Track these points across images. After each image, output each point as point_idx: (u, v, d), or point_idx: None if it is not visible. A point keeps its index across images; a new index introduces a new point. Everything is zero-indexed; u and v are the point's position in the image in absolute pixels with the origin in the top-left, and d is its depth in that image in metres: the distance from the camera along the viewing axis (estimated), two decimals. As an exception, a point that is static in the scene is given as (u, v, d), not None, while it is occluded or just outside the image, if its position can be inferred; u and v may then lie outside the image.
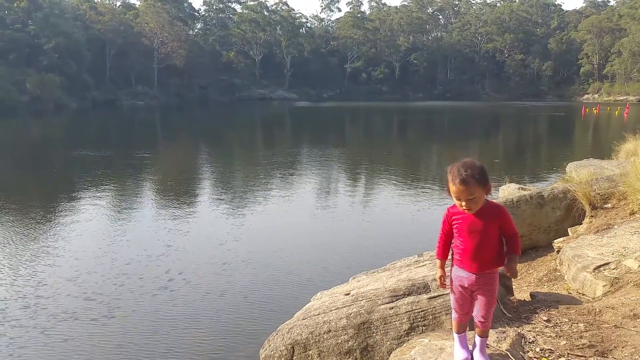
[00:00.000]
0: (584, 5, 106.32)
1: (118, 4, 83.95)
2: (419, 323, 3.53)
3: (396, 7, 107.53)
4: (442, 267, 2.83)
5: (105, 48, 66.42)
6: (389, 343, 3.52)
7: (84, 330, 6.07)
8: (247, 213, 11.49)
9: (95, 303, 6.73)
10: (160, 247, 8.92)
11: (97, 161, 18.88)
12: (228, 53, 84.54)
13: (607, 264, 4.40)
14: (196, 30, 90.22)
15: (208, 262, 8.24)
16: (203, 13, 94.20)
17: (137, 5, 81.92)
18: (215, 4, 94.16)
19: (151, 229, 10.07)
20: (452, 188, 2.56)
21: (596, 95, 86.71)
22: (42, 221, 10.60)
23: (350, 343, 3.58)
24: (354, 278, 4.85)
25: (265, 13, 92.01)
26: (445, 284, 2.83)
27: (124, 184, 14.90)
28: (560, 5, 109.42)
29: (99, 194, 13.12)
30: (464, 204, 2.57)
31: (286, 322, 3.97)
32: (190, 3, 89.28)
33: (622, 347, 3.06)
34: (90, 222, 10.46)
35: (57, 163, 18.98)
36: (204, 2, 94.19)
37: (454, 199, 2.62)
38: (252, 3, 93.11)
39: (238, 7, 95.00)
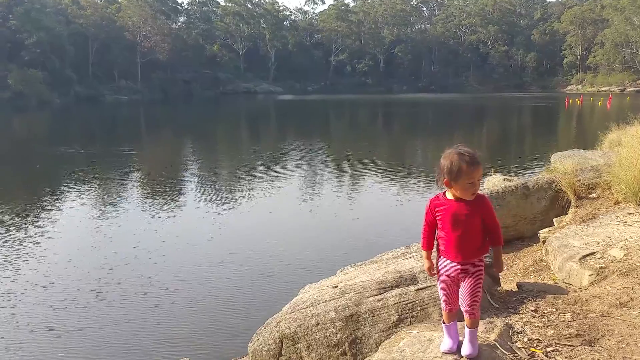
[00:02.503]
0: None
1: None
2: (407, 315, 3.53)
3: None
4: (429, 257, 2.83)
5: (87, 43, 65.51)
6: (377, 335, 3.52)
7: (72, 328, 5.99)
8: (233, 208, 11.44)
9: (81, 303, 6.63)
10: (146, 244, 8.84)
11: (79, 158, 18.64)
12: (212, 47, 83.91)
13: (593, 253, 4.44)
14: (179, 24, 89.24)
15: (195, 258, 8.20)
16: (186, 6, 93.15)
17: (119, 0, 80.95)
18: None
19: (137, 226, 9.96)
20: (468, 170, 2.53)
21: (579, 86, 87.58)
22: (21, 221, 10.41)
23: (338, 336, 3.58)
24: (342, 271, 4.83)
25: (249, 6, 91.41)
26: (434, 273, 2.82)
27: (107, 181, 14.71)
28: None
29: (81, 192, 12.92)
30: (476, 186, 2.58)
31: (274, 316, 3.95)
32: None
33: (609, 336, 3.08)
34: (72, 221, 10.31)
35: (38, 160, 18.63)
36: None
37: (463, 185, 2.57)
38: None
39: (221, 0, 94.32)
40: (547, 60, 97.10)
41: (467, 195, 2.59)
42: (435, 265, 2.81)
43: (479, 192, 2.67)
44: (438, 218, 2.68)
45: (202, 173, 16.22)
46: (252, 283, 7.24)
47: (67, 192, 12.89)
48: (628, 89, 79.45)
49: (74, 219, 10.49)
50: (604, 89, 79.30)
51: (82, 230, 9.74)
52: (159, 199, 12.37)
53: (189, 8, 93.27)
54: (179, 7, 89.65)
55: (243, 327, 5.83)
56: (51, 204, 11.74)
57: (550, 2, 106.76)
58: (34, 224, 10.18)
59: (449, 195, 2.65)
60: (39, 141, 24.88)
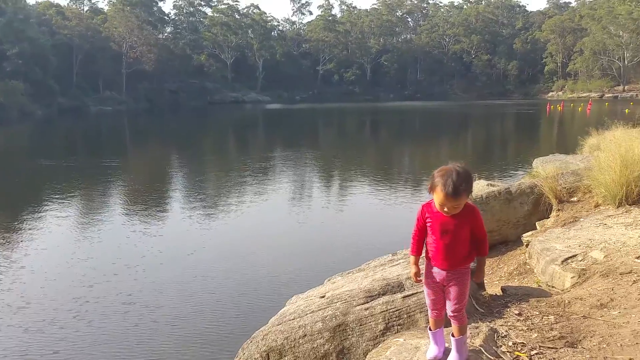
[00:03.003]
0: (547, 6, 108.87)
1: (86, 9, 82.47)
2: (394, 322, 3.54)
3: (366, 10, 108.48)
4: (417, 263, 2.85)
5: (72, 53, 65.00)
6: (364, 344, 3.51)
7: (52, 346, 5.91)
8: (220, 219, 11.38)
9: (58, 324, 6.42)
10: (127, 259, 8.68)
11: (61, 171, 18.35)
12: (199, 56, 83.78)
13: (575, 256, 4.51)
14: (166, 34, 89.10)
15: (178, 273, 8.07)
16: (173, 17, 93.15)
17: (105, 10, 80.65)
18: (186, 8, 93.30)
19: (118, 241, 9.75)
20: (440, 195, 2.55)
21: (560, 93, 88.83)
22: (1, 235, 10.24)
23: (326, 347, 3.56)
24: (329, 280, 4.83)
25: (237, 16, 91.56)
26: (420, 280, 2.85)
27: (89, 195, 14.44)
28: (525, 7, 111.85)
29: (61, 207, 12.59)
30: (446, 209, 2.59)
31: (261, 329, 3.91)
32: (160, 7, 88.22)
33: (591, 337, 3.14)
34: (51, 237, 10.02)
35: (18, 174, 18.16)
36: (174, 5, 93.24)
37: (437, 203, 2.62)
38: (223, 6, 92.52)
39: (209, 11, 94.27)
40: (528, 68, 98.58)
41: (441, 211, 2.62)
42: (422, 272, 2.84)
43: (470, 202, 2.71)
44: (428, 224, 2.71)
45: (187, 185, 16.11)
46: (238, 296, 7.15)
47: (47, 206, 12.58)
48: (606, 95, 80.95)
49: (53, 234, 10.23)
50: (584, 95, 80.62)
51: (61, 247, 9.47)
52: (142, 212, 12.18)
53: (176, 18, 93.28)
54: (165, 17, 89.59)
55: (229, 342, 5.73)
56: (30, 219, 11.45)
57: (531, 12, 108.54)
58: (11, 241, 9.90)
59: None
60: (18, 154, 24.47)
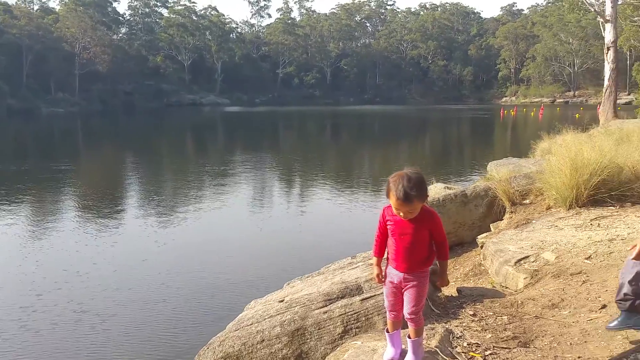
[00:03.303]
0: (501, 13, 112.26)
1: (36, 7, 79.83)
2: (353, 325, 3.55)
3: (325, 14, 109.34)
4: (379, 264, 2.87)
5: (21, 54, 62.72)
6: (323, 348, 3.51)
7: None
8: (176, 224, 11.15)
9: (3, 336, 6.13)
10: (78, 266, 8.37)
11: (10, 175, 17.58)
12: (155, 58, 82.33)
13: (527, 257, 4.64)
14: (121, 35, 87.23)
15: (132, 280, 7.84)
16: (128, 17, 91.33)
17: (56, 10, 78.25)
18: (141, 8, 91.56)
19: (69, 248, 9.40)
20: (393, 200, 2.59)
21: (513, 98, 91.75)
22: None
23: (284, 351, 3.54)
24: (288, 284, 4.81)
25: (194, 18, 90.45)
26: (382, 281, 2.86)
27: (39, 200, 13.88)
28: (479, 14, 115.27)
29: (9, 213, 12.03)
30: (402, 214, 2.63)
31: (218, 335, 3.85)
32: (115, 7, 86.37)
33: (543, 337, 3.22)
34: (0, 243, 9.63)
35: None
36: (129, 6, 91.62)
37: (393, 208, 2.66)
38: (179, 7, 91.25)
39: (165, 12, 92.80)
40: (483, 73, 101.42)
41: (399, 215, 2.66)
42: (383, 273, 2.86)
43: (428, 207, 2.76)
44: (389, 227, 2.74)
45: (142, 189, 15.74)
46: (195, 303, 6.99)
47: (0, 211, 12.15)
48: (558, 100, 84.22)
49: (7, 239, 9.84)
50: (536, 100, 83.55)
51: (8, 254, 9.05)
52: (94, 217, 11.77)
53: (131, 19, 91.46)
54: (120, 18, 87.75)
55: (186, 350, 5.59)
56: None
57: (485, 19, 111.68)
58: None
59: None
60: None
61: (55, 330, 6.22)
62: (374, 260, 2.90)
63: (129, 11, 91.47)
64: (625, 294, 2.89)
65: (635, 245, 2.79)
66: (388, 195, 2.64)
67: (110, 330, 6.22)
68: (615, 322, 3.00)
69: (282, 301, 4.02)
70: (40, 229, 10.63)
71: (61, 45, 67.32)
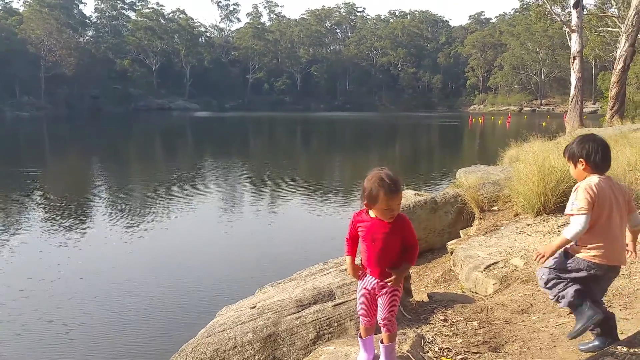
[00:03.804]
0: (469, 21, 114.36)
1: (-1, 9, 77.81)
2: (325, 331, 3.56)
3: (295, 20, 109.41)
4: (353, 262, 2.83)
5: (-17, 56, 61.15)
6: (296, 354, 3.52)
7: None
8: (144, 230, 10.96)
9: None
10: (44, 274, 8.16)
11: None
12: (122, 61, 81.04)
13: (496, 263, 4.71)
14: (87, 38, 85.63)
15: (100, 287, 7.66)
16: (95, 20, 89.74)
17: (20, 11, 76.33)
18: (108, 11, 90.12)
19: (34, 255, 9.14)
20: (385, 197, 2.58)
21: (481, 106, 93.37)
22: None
23: (257, 357, 3.53)
24: (260, 290, 4.79)
25: (162, 21, 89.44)
26: (360, 277, 2.83)
27: (6, 206, 13.48)
28: (448, 22, 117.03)
29: None
30: (394, 211, 2.63)
31: (189, 341, 3.81)
32: (81, 10, 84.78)
33: (513, 341, 3.28)
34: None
35: None
36: (95, 9, 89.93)
37: (382, 209, 2.63)
38: (147, 10, 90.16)
39: (132, 15, 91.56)
40: (452, 81, 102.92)
41: (385, 218, 2.66)
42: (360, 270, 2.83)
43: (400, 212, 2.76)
44: (360, 233, 2.75)
45: (109, 195, 15.43)
46: (165, 310, 6.88)
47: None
48: (525, 109, 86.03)
49: None
50: (504, 108, 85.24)
51: None
52: (60, 224, 11.45)
53: (98, 22, 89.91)
54: (87, 20, 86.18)
55: (157, 357, 5.53)
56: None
57: (454, 27, 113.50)
58: None
59: (372, 213, 2.71)
60: None
61: (19, 341, 6.04)
62: (347, 259, 2.84)
63: (96, 14, 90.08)
64: (555, 295, 2.93)
65: (541, 255, 2.86)
66: (374, 201, 2.61)
67: (78, 340, 6.07)
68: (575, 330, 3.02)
69: (254, 307, 4.01)
70: (4, 236, 10.30)
71: (26, 48, 65.69)
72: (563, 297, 2.86)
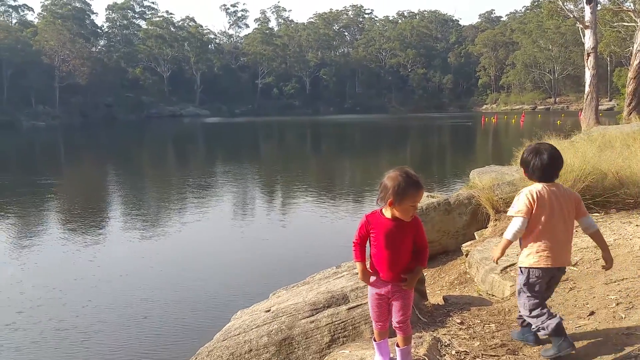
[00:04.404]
0: (479, 20, 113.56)
1: (14, 21, 78.92)
2: (340, 334, 3.56)
3: (303, 24, 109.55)
4: (364, 267, 2.79)
5: (0, 67, 62.09)
6: (311, 357, 3.52)
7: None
8: (161, 236, 11.05)
9: None
10: (66, 278, 8.30)
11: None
12: (134, 70, 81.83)
13: (513, 264, 4.65)
14: (99, 47, 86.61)
15: (118, 291, 7.76)
16: (106, 29, 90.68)
17: (35, 23, 77.48)
18: (119, 20, 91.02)
19: (55, 261, 9.31)
20: (413, 193, 2.61)
21: (494, 105, 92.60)
22: None
23: (272, 361, 3.54)
24: (274, 294, 4.80)
25: (172, 29, 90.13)
26: (372, 283, 2.81)
27: (21, 214, 13.60)
28: (458, 21, 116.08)
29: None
30: (416, 209, 2.68)
31: (205, 345, 3.84)
32: (93, 20, 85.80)
33: (531, 345, 3.24)
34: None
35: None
36: (106, 18, 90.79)
37: (407, 207, 2.63)
38: (157, 19, 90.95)
39: (143, 23, 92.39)
40: (463, 81, 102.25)
41: (407, 217, 2.65)
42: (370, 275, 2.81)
43: None
44: (372, 235, 2.73)
45: (123, 202, 15.55)
46: (180, 314, 6.92)
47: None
48: (539, 107, 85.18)
49: None
50: (517, 107, 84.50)
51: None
52: (75, 232, 11.56)
53: (110, 31, 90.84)
54: (98, 30, 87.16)
55: (173, 359, 5.58)
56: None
57: (464, 26, 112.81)
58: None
59: (387, 214, 2.69)
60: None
61: (37, 349, 6.08)
62: (358, 265, 2.80)
63: (107, 23, 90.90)
64: (537, 326, 3.12)
65: (494, 260, 3.21)
66: (398, 195, 2.61)
67: (94, 348, 6.09)
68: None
69: (268, 311, 4.01)
70: (20, 245, 10.43)
71: (40, 59, 66.64)
72: (544, 329, 3.02)
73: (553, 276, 3.10)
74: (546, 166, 3.07)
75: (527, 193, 3.04)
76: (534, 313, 3.07)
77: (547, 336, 3.06)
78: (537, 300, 3.07)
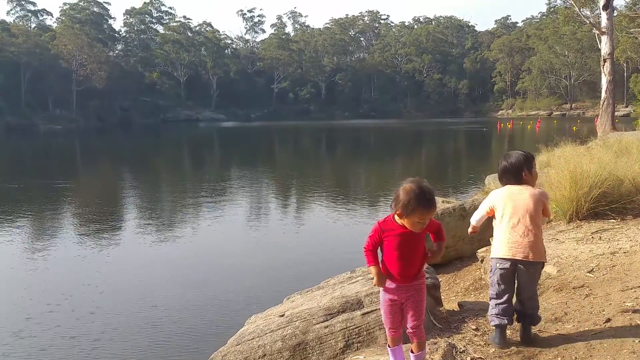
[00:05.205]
0: (495, 26, 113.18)
1: (33, 25, 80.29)
2: (354, 340, 3.54)
3: (319, 29, 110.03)
4: (379, 271, 2.79)
5: (19, 71, 63.12)
6: (325, 363, 3.51)
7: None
8: (174, 240, 11.09)
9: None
10: (84, 278, 8.37)
11: (7, 193, 17.50)
12: (151, 74, 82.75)
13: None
14: (117, 52, 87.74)
15: (131, 294, 7.76)
16: (124, 34, 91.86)
17: (53, 27, 78.76)
18: (137, 25, 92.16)
19: (74, 261, 9.40)
20: (422, 211, 2.61)
21: (510, 111, 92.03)
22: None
23: (286, 366, 3.54)
24: (288, 299, 4.80)
25: (189, 34, 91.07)
26: (387, 289, 2.81)
27: (37, 218, 13.71)
28: (474, 27, 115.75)
29: (6, 231, 11.84)
30: (424, 225, 2.68)
31: (219, 350, 3.85)
32: (111, 24, 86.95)
33: (547, 351, 3.20)
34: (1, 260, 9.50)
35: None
36: (124, 23, 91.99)
37: (413, 222, 2.64)
38: (174, 24, 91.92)
39: (160, 28, 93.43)
40: (478, 86, 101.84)
41: (415, 229, 2.66)
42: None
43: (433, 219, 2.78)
44: (385, 240, 2.73)
45: (139, 206, 15.66)
46: (195, 318, 6.91)
47: (-2, 228, 11.98)
48: (555, 113, 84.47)
49: (8, 256, 9.71)
50: (533, 113, 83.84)
51: (17, 267, 9.00)
52: (89, 236, 11.56)
53: (127, 36, 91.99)
54: (116, 34, 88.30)
55: (188, 363, 5.58)
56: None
57: (480, 32, 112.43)
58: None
59: (399, 221, 2.70)
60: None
61: (47, 356, 6.00)
62: (372, 269, 2.79)
63: (125, 28, 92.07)
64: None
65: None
66: (405, 210, 2.62)
67: (105, 356, 6.00)
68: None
69: (282, 316, 4.01)
70: (32, 249, 10.44)
71: (58, 63, 67.69)
72: (491, 320, 3.34)
73: (515, 268, 3.26)
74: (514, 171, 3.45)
75: (491, 193, 3.53)
76: (491, 302, 3.33)
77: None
78: (496, 292, 3.31)
